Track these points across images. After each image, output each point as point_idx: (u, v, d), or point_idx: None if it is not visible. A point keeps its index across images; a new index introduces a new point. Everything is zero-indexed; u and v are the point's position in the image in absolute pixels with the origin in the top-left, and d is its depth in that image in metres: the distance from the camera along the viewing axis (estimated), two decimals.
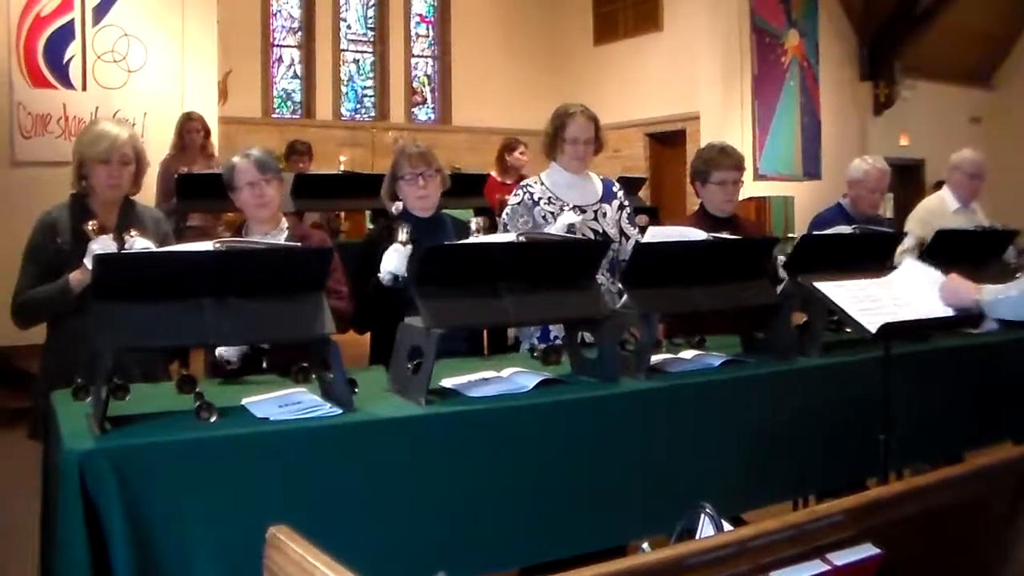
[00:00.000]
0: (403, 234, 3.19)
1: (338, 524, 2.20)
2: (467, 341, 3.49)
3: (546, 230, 3.50)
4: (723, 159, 3.91)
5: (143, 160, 3.30)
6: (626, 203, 3.90)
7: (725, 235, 3.21)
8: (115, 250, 2.87)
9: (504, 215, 3.74)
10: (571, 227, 3.46)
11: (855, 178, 4.64)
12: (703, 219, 3.89)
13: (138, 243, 2.92)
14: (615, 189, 3.90)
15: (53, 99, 7.56)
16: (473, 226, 3.32)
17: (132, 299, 2.18)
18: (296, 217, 6.52)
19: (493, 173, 7.93)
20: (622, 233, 3.80)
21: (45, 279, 3.07)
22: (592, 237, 3.62)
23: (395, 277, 3.15)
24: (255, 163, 3.23)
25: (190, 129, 7.13)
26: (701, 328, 3.42)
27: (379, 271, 3.19)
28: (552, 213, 3.65)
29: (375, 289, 3.22)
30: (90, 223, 2.96)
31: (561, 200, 3.69)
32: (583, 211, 3.69)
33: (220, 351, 2.86)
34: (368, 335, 3.52)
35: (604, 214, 3.76)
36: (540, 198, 3.68)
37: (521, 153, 7.98)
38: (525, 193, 3.72)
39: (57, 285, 3.03)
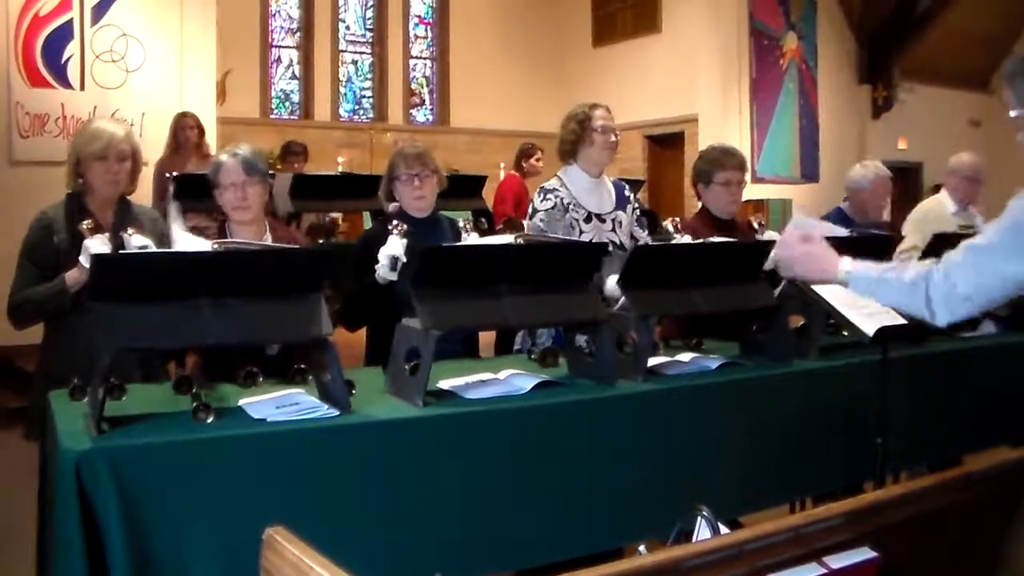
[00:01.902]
0: (398, 228, 3.19)
1: (335, 525, 2.20)
2: (463, 343, 3.48)
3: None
4: (728, 160, 3.92)
5: (139, 158, 3.29)
6: (636, 205, 3.90)
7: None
8: (110, 249, 2.87)
9: (538, 221, 3.66)
10: None
11: (858, 185, 4.64)
12: (706, 221, 3.89)
13: (136, 241, 2.90)
14: (627, 192, 3.89)
15: (51, 99, 7.56)
16: (462, 224, 3.29)
17: (130, 300, 2.18)
18: (284, 218, 6.55)
19: (516, 173, 8.00)
20: (631, 237, 3.79)
21: (42, 278, 3.06)
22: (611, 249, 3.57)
23: (394, 260, 3.14)
24: (242, 163, 3.14)
25: (184, 127, 7.13)
26: (698, 330, 3.42)
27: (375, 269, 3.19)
28: (578, 220, 3.65)
29: (369, 287, 3.22)
30: (85, 222, 2.94)
31: (584, 208, 3.67)
32: (602, 220, 3.69)
33: None
34: (363, 336, 3.52)
35: (620, 223, 3.75)
36: (569, 203, 3.67)
37: (537, 160, 8.03)
38: (556, 198, 3.68)
39: (54, 285, 3.02)
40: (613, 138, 3.73)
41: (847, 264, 2.35)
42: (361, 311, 3.37)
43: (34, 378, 3.24)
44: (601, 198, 3.76)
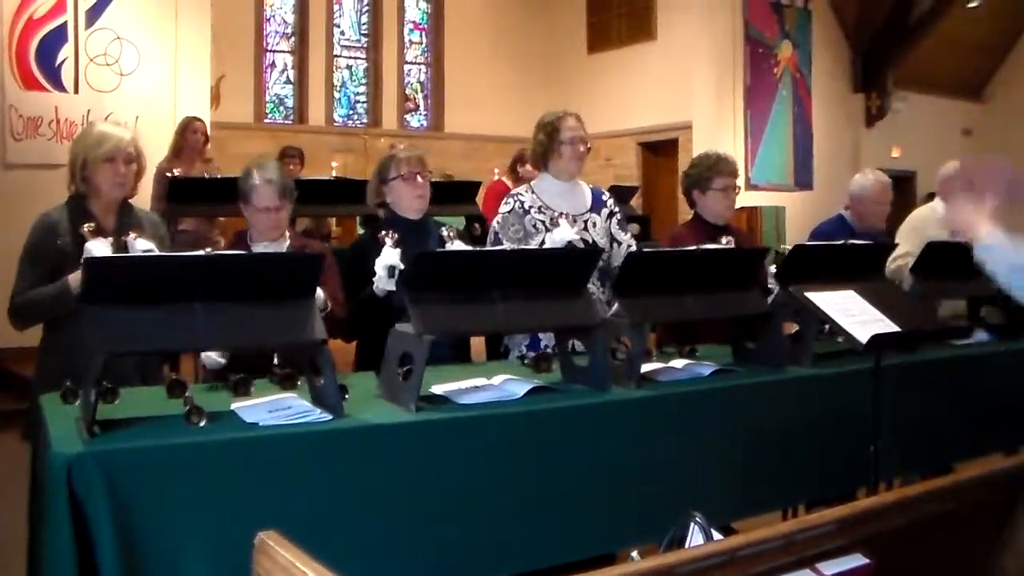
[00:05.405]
0: (391, 237, 3.18)
1: (328, 530, 2.20)
2: (454, 348, 3.47)
3: (539, 244, 3.50)
4: (724, 165, 3.97)
5: (143, 161, 3.29)
6: (616, 210, 3.88)
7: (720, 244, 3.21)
8: (112, 252, 2.86)
9: (495, 224, 3.72)
10: (569, 244, 3.43)
11: (859, 193, 4.64)
12: (699, 227, 3.90)
13: (139, 244, 2.91)
14: (604, 198, 3.88)
15: (45, 102, 7.55)
16: (445, 233, 3.29)
17: (123, 303, 2.17)
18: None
19: (505, 179, 7.94)
20: (613, 240, 3.79)
21: (45, 280, 3.04)
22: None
23: (392, 270, 3.13)
24: (277, 190, 3.27)
25: (195, 130, 7.02)
26: (692, 337, 3.42)
27: (370, 278, 3.18)
28: (542, 221, 3.63)
29: (368, 299, 3.21)
30: (87, 225, 2.94)
31: (551, 209, 3.67)
32: (573, 220, 3.68)
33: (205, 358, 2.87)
34: (355, 341, 3.51)
35: (593, 224, 3.74)
36: (531, 207, 3.67)
37: (531, 166, 8.00)
38: (516, 202, 3.69)
39: (56, 286, 3.00)
40: (582, 148, 3.73)
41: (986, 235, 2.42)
42: (361, 322, 3.34)
43: (35, 379, 3.22)
44: (575, 200, 3.77)
